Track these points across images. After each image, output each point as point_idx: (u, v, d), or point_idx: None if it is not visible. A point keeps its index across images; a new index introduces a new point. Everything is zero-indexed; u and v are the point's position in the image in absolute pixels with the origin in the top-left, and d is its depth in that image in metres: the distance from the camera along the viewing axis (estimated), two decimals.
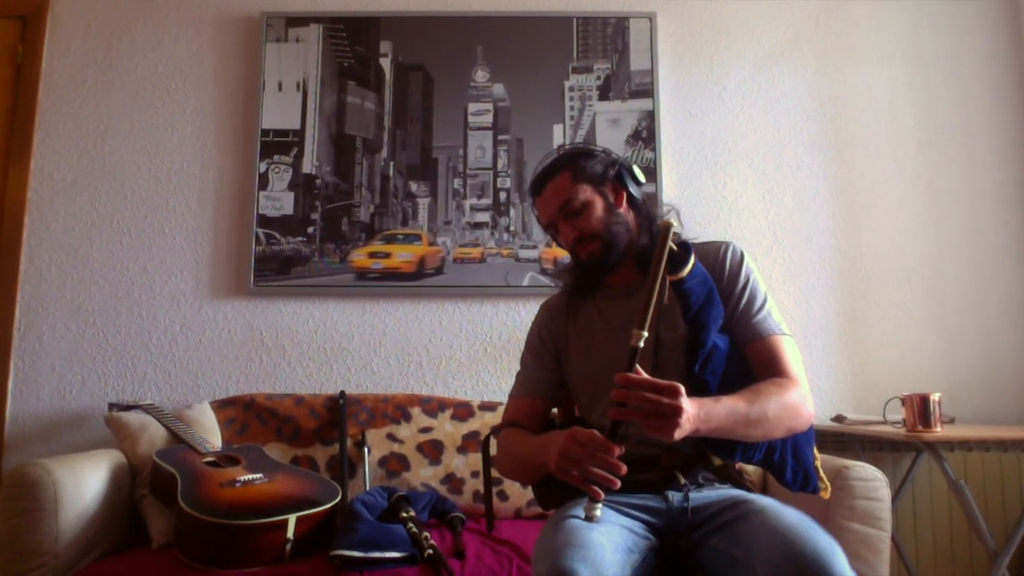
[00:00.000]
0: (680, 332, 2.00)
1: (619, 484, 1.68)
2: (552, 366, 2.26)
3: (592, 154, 2.19)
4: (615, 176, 2.15)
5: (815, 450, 2.04)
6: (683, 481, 1.98)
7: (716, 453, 1.98)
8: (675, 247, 1.83)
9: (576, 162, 2.15)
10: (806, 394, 1.94)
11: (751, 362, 2.01)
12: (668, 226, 1.76)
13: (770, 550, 1.60)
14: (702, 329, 1.94)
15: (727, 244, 2.13)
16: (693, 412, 1.69)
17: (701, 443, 1.94)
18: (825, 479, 2.05)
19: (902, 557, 3.37)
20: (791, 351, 2.00)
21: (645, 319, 1.71)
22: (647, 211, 2.19)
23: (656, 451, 1.99)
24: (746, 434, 1.84)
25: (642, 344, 1.71)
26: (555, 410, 2.29)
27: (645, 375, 1.70)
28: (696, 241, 2.09)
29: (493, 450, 2.23)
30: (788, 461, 1.97)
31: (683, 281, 1.91)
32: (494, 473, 2.26)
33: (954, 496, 3.07)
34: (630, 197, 2.16)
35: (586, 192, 2.10)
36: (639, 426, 1.69)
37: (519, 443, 2.10)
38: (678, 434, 1.66)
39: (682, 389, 1.66)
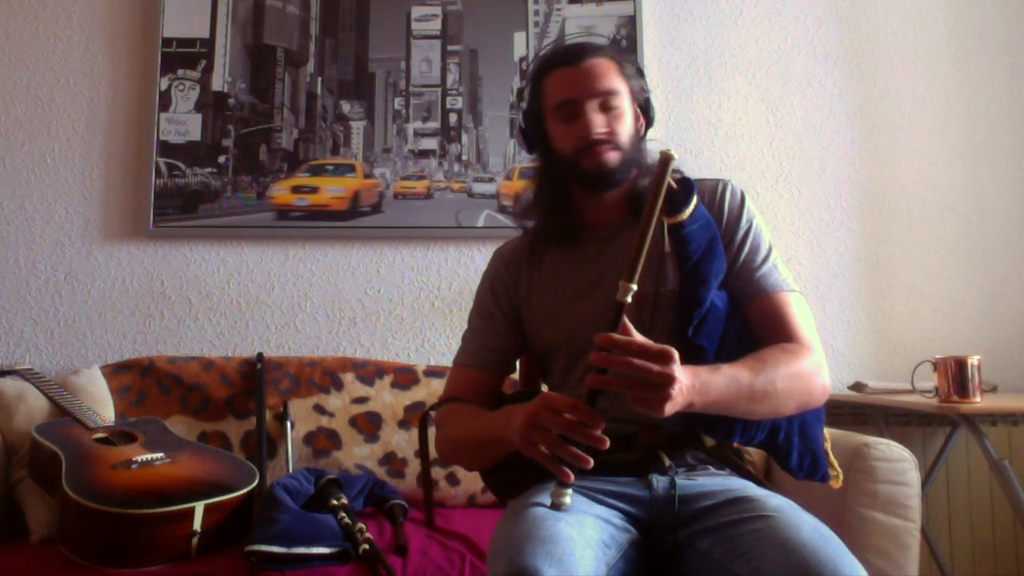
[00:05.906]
0: (671, 286, 1.98)
1: (591, 463, 1.65)
2: (505, 331, 2.25)
3: (633, 63, 2.17)
4: (645, 100, 2.16)
5: (825, 430, 2.04)
6: (667, 463, 1.97)
7: (709, 433, 1.99)
8: (674, 184, 1.82)
9: (622, 59, 2.12)
10: (821, 363, 1.94)
11: (753, 323, 2.01)
12: (669, 157, 1.72)
13: (781, 572, 1.56)
14: (700, 284, 1.93)
15: (725, 182, 2.12)
16: (688, 383, 1.66)
17: (692, 420, 1.93)
18: (836, 465, 2.05)
19: (934, 552, 3.40)
20: (801, 311, 2.00)
21: (635, 269, 1.69)
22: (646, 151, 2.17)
23: (635, 428, 1.99)
24: (749, 410, 1.83)
25: (630, 299, 1.69)
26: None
27: (635, 335, 1.67)
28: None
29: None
30: (795, 443, 1.96)
31: (683, 225, 1.91)
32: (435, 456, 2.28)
33: (996, 478, 3.08)
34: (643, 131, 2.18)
35: (626, 96, 2.08)
36: (621, 399, 1.67)
37: (470, 419, 2.09)
38: (669, 408, 1.63)
39: (676, 354, 1.63)
